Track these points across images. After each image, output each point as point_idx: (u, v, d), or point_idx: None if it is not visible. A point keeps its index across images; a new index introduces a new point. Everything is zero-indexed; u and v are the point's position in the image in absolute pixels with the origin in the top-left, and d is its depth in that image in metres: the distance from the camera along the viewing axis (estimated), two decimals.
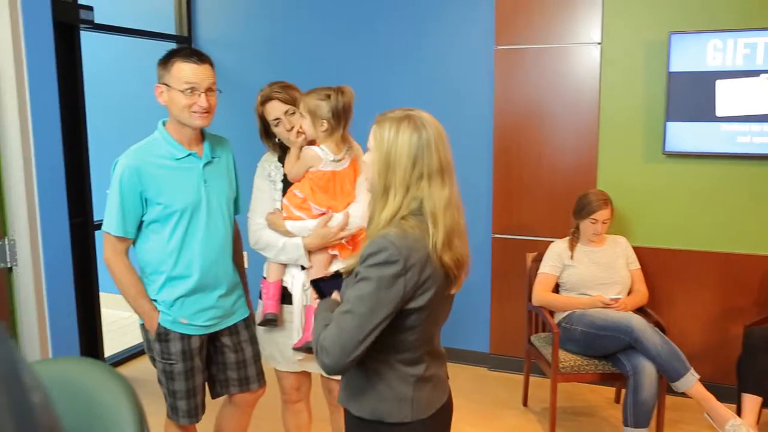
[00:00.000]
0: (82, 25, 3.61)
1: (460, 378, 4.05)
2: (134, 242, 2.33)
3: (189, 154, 2.27)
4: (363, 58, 4.22)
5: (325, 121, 2.29)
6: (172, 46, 4.50)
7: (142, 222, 2.29)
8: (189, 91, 2.17)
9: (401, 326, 1.57)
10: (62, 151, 2.71)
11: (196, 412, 2.40)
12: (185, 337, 2.32)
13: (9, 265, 2.62)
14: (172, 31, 4.51)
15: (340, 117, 2.30)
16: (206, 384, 2.49)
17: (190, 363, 2.34)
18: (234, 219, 2.51)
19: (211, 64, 2.26)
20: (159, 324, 2.32)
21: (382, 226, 1.56)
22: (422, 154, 1.55)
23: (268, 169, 2.49)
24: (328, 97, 2.29)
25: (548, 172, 3.84)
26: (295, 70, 4.36)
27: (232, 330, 2.43)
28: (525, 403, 3.66)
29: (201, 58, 2.22)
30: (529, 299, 3.49)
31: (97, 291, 3.89)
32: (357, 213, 2.35)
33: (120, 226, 2.24)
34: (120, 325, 5.06)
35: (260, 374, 2.52)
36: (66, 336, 2.76)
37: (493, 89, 3.89)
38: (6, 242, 2.58)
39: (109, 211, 2.25)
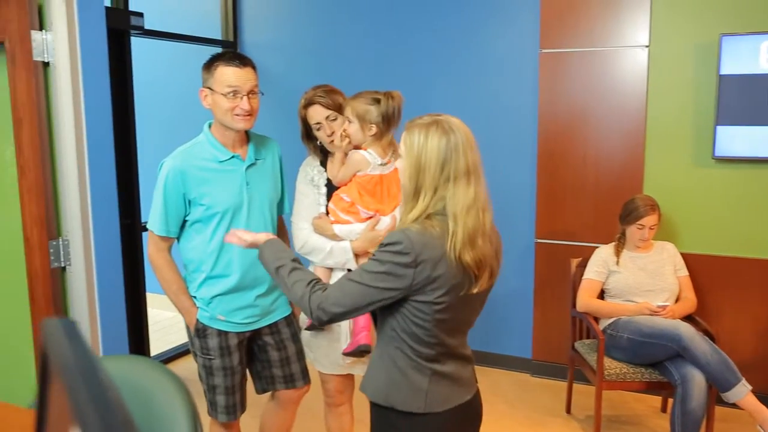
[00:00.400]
0: (132, 31, 3.69)
1: (502, 383, 4.01)
2: (178, 240, 2.38)
3: (232, 157, 2.30)
4: (406, 62, 4.22)
5: (374, 125, 2.30)
6: (218, 50, 4.59)
7: (186, 221, 2.33)
8: (231, 94, 2.21)
9: (414, 318, 1.64)
10: (114, 154, 2.78)
11: (234, 410, 2.43)
12: (222, 334, 2.36)
13: (63, 265, 2.69)
14: (218, 36, 4.58)
15: (390, 121, 2.30)
16: (249, 381, 2.51)
17: (228, 360, 2.37)
18: (281, 219, 2.55)
19: (254, 68, 2.29)
20: (197, 320, 2.37)
21: (407, 225, 1.65)
22: (450, 158, 1.62)
23: (311, 173, 2.51)
24: (378, 101, 2.29)
25: (593, 176, 3.79)
26: (339, 74, 4.39)
27: (273, 328, 2.46)
28: (568, 411, 3.61)
29: (243, 61, 2.25)
30: (573, 305, 3.45)
31: (144, 291, 3.97)
32: None
33: (163, 226, 2.30)
34: (164, 324, 5.15)
35: (305, 372, 2.55)
36: (116, 334, 2.83)
37: (538, 93, 3.86)
38: (60, 242, 2.65)
39: (154, 210, 2.31)
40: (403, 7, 4.22)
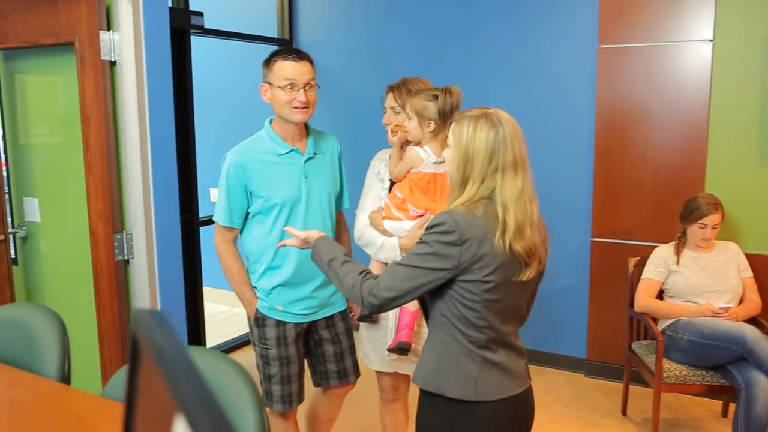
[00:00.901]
0: (192, 30, 3.77)
1: (556, 383, 3.97)
2: (241, 232, 2.44)
3: (291, 150, 2.35)
4: (462, 59, 4.21)
5: (432, 121, 2.29)
6: (274, 48, 4.65)
7: (248, 213, 2.39)
8: (288, 87, 2.26)
9: (464, 300, 1.65)
10: (175, 152, 2.85)
11: (289, 399, 2.46)
12: (280, 324, 2.40)
13: (126, 258, 2.78)
14: (274, 35, 4.64)
15: (447, 118, 2.28)
16: (304, 374, 2.55)
17: (285, 350, 2.41)
18: (341, 213, 2.58)
19: (311, 62, 2.33)
20: (257, 310, 2.43)
21: (451, 208, 1.69)
22: (498, 149, 1.66)
23: (378, 167, 2.52)
24: (436, 97, 2.28)
25: (652, 174, 3.71)
26: (394, 71, 4.39)
27: (329, 321, 2.50)
28: (624, 413, 3.54)
29: (300, 55, 2.31)
30: (631, 305, 3.38)
31: (201, 284, 4.06)
32: None
33: (226, 217, 2.37)
34: (219, 318, 5.26)
35: (356, 366, 2.59)
36: (175, 326, 2.90)
37: (595, 89, 3.79)
38: (124, 236, 2.74)
39: (218, 202, 2.38)
40: (459, 4, 4.20)
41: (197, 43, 4.14)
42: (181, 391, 0.46)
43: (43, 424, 1.32)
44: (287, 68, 2.27)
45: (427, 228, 1.67)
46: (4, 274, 3.06)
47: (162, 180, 2.77)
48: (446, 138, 2.36)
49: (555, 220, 4.11)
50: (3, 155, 3.13)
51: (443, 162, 2.35)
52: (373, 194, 2.48)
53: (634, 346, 3.41)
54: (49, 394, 1.47)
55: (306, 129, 2.43)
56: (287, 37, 4.63)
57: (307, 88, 2.28)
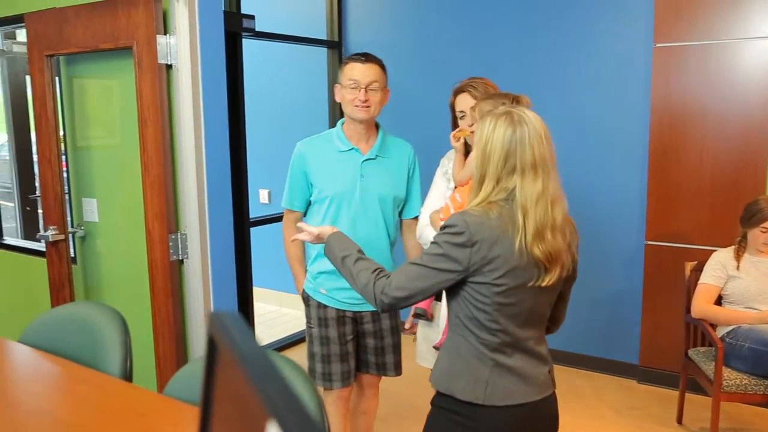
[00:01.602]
0: (243, 33, 3.82)
1: (607, 389, 3.89)
2: (305, 216, 2.61)
3: (351, 149, 2.47)
4: (512, 58, 4.16)
5: None
6: (323, 50, 4.68)
7: (310, 201, 2.57)
8: (353, 86, 2.41)
9: (476, 302, 1.63)
10: (229, 153, 2.89)
11: (330, 378, 2.53)
12: (321, 306, 2.54)
13: (181, 257, 2.82)
14: (324, 37, 4.67)
15: None
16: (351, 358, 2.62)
17: (325, 330, 2.52)
18: (413, 221, 2.61)
19: (380, 65, 2.46)
20: (303, 289, 2.60)
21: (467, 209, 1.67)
22: (515, 149, 1.61)
23: (447, 165, 2.53)
24: (504, 104, 2.24)
25: (710, 176, 3.60)
26: (443, 73, 4.39)
27: (375, 317, 2.55)
28: (680, 421, 3.45)
29: (368, 58, 2.46)
30: (688, 311, 3.29)
31: (251, 285, 4.10)
32: None
33: (288, 200, 2.60)
34: (268, 318, 5.31)
35: (397, 365, 2.64)
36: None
37: (650, 89, 3.70)
38: (179, 236, 2.78)
39: (286, 186, 2.60)
40: (510, 4, 4.16)
41: (247, 45, 4.19)
42: (272, 397, 0.46)
43: (107, 420, 1.35)
44: (353, 69, 2.43)
45: (441, 228, 1.67)
46: (64, 272, 3.15)
47: (216, 181, 2.81)
48: None
49: (607, 223, 4.05)
50: (63, 157, 3.21)
51: None
52: (439, 192, 2.49)
53: (691, 353, 3.32)
54: (112, 390, 1.50)
55: (377, 132, 2.53)
56: (336, 39, 4.66)
57: (368, 88, 2.40)
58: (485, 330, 1.66)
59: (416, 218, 2.59)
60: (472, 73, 4.27)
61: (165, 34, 2.67)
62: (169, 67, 2.70)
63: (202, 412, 0.68)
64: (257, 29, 3.94)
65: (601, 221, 4.02)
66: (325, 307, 2.53)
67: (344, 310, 2.52)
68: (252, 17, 3.81)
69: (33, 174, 5.08)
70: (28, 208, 4.99)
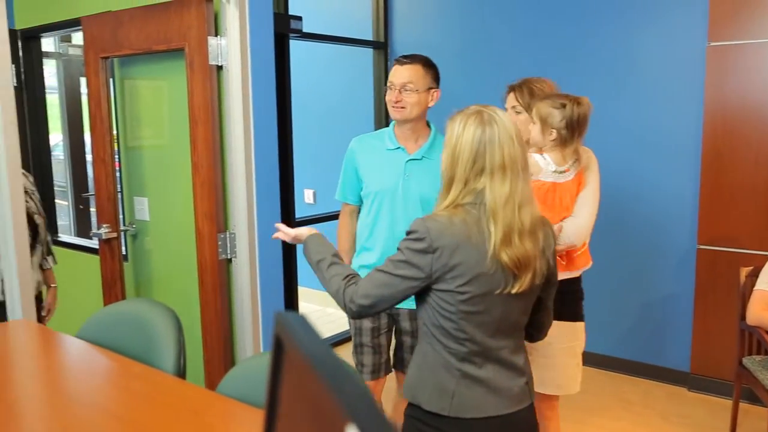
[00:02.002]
0: (291, 34, 3.85)
1: (656, 396, 3.80)
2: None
3: (397, 148, 2.52)
4: (561, 59, 4.10)
5: (554, 130, 2.21)
6: (369, 51, 4.69)
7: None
8: (390, 87, 2.49)
9: (441, 309, 1.59)
10: (277, 154, 2.92)
11: (361, 370, 2.60)
12: None
13: (229, 256, 2.86)
14: (369, 37, 4.68)
15: (574, 128, 2.20)
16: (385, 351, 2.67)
17: (359, 322, 2.58)
18: None
19: (422, 65, 2.49)
20: None
21: (433, 214, 1.63)
22: (484, 150, 1.57)
23: None
24: (563, 106, 2.19)
25: (765, 179, 3.49)
26: (490, 73, 4.36)
27: (412, 315, 2.55)
28: (733, 431, 3.35)
29: (408, 59, 2.51)
30: (743, 317, 3.19)
31: (297, 284, 4.14)
32: (571, 229, 2.24)
33: (340, 192, 2.70)
34: (312, 317, 5.33)
35: None
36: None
37: (703, 90, 3.61)
38: (227, 235, 2.82)
39: (339, 179, 2.70)
40: (559, 4, 4.10)
41: (294, 46, 4.23)
42: (350, 401, 0.46)
43: (162, 416, 1.37)
44: (393, 71, 2.52)
45: (405, 234, 1.63)
46: (116, 269, 3.22)
47: (264, 181, 2.83)
48: (573, 149, 2.27)
49: (658, 226, 3.96)
50: (116, 157, 3.29)
51: (566, 172, 2.26)
52: None
53: (746, 361, 3.22)
54: (166, 387, 1.53)
55: (429, 132, 2.56)
56: (382, 39, 4.66)
57: (403, 89, 2.44)
58: (452, 339, 1.61)
59: None
60: (519, 75, 4.23)
61: (216, 35, 2.71)
62: (219, 68, 2.73)
63: (267, 412, 0.68)
64: (304, 30, 3.97)
65: (651, 224, 3.93)
66: None
67: None
68: (299, 18, 3.84)
69: (86, 173, 5.22)
70: (81, 207, 5.13)
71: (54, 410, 1.45)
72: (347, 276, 1.68)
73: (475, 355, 1.61)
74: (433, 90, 2.51)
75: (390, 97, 2.47)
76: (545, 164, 2.24)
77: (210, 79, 2.71)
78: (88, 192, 5.27)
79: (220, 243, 2.81)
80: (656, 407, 3.65)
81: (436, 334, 1.63)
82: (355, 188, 2.64)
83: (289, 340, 0.63)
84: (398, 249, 1.63)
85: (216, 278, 2.89)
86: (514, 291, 1.58)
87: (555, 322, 2.33)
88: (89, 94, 3.19)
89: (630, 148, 3.92)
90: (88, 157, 4.33)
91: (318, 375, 0.53)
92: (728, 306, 3.52)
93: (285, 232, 1.96)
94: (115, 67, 3.21)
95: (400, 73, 2.47)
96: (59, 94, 4.91)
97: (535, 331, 1.82)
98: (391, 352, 2.67)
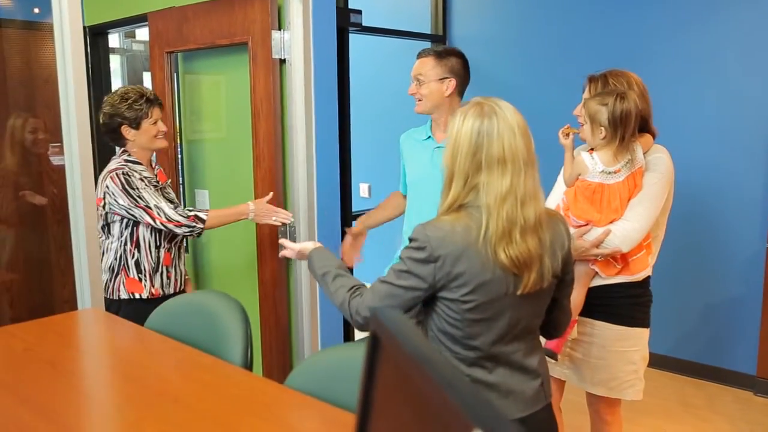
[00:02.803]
0: (351, 28, 3.84)
1: (721, 400, 3.68)
2: None
3: (428, 137, 2.57)
4: (625, 53, 3.99)
5: (603, 128, 2.12)
6: (427, 45, 4.66)
7: None
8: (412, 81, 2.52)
9: (447, 317, 1.54)
10: (338, 148, 2.92)
11: None
12: None
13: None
14: (428, 31, 4.65)
15: (618, 126, 2.10)
16: None
17: None
18: None
19: (433, 57, 2.48)
20: None
21: (439, 215, 1.56)
22: (483, 143, 1.49)
23: None
24: (607, 103, 2.13)
25: None
26: (549, 67, 4.28)
27: None
28: None
29: (422, 53, 2.54)
30: None
31: None
32: (619, 233, 2.13)
33: (401, 183, 2.75)
34: None
35: None
36: (332, 317, 2.97)
37: None
38: (287, 229, 2.83)
39: None
40: None
41: (352, 39, 4.23)
42: (475, 408, 0.44)
43: (233, 408, 1.37)
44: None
45: (408, 240, 1.56)
46: None
47: (325, 175, 2.84)
48: (626, 148, 2.17)
49: (725, 224, 3.82)
50: (179, 149, 3.35)
51: (617, 173, 2.17)
52: (559, 190, 2.36)
53: None
54: (236, 379, 1.53)
55: None
56: (441, 33, 4.62)
57: (415, 82, 2.49)
58: (460, 345, 1.56)
59: None
60: (582, 68, 4.14)
61: (279, 29, 2.72)
62: (282, 61, 2.75)
63: (361, 408, 0.67)
64: (363, 24, 3.95)
65: (718, 222, 3.80)
66: None
67: None
68: (359, 12, 3.83)
69: None
70: None
71: (127, 400, 1.48)
72: (352, 287, 1.63)
73: (485, 360, 1.57)
74: (448, 80, 2.45)
75: (409, 90, 2.54)
76: (592, 164, 2.15)
77: (273, 73, 2.73)
78: None
79: (280, 236, 2.83)
80: (723, 412, 3.54)
81: (444, 340, 1.58)
82: (404, 179, 2.71)
83: (389, 338, 0.62)
84: (400, 258, 1.58)
85: (275, 272, 2.91)
86: (519, 292, 1.51)
87: (608, 325, 2.24)
88: (154, 89, 3.25)
89: (697, 143, 3.79)
90: None
91: (430, 377, 0.51)
92: None
93: (290, 248, 1.97)
94: (179, 61, 3.27)
95: (414, 67, 2.52)
96: None
97: (552, 329, 1.76)
98: None
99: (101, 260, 2.50)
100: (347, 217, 3.99)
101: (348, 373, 1.42)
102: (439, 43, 4.64)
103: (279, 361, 2.96)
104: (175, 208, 2.52)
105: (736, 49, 3.65)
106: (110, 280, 2.54)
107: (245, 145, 2.92)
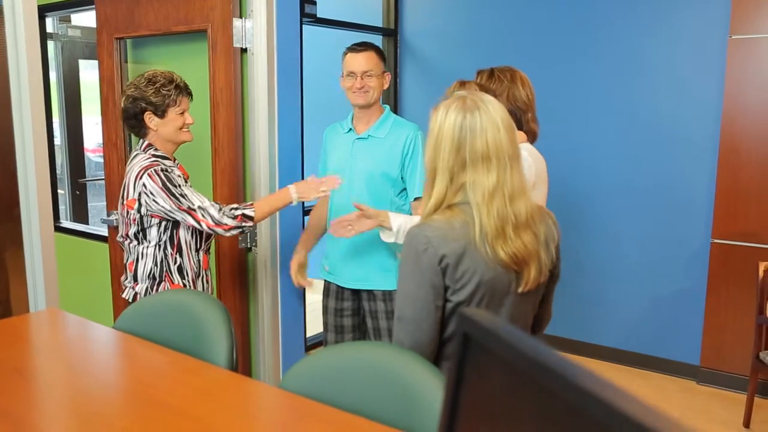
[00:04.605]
0: (304, 19, 3.75)
1: (667, 389, 3.80)
2: None
3: (349, 130, 2.59)
4: (577, 50, 4.06)
5: None
6: (378, 38, 4.62)
7: None
8: (351, 75, 2.51)
9: (449, 323, 1.50)
10: (301, 139, 2.84)
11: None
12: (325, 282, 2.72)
13: (249, 246, 2.78)
14: (380, 24, 4.61)
15: None
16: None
17: (325, 300, 2.73)
18: (411, 199, 2.57)
19: (376, 52, 2.54)
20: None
21: (427, 216, 1.50)
22: (466, 137, 1.45)
23: None
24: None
25: None
26: (500, 62, 4.29)
27: (371, 296, 2.59)
28: (747, 425, 3.35)
29: (361, 47, 2.54)
30: (761, 312, 3.19)
31: None
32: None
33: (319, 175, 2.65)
34: (315, 308, 5.26)
35: None
36: (293, 313, 2.90)
37: (724, 82, 3.59)
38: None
39: None
40: None
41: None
42: (615, 415, 0.40)
43: (230, 414, 1.29)
44: (348, 60, 2.53)
45: (401, 251, 1.52)
46: None
47: (287, 167, 2.77)
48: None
49: (671, 219, 3.94)
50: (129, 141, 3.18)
51: None
52: None
53: (763, 355, 3.22)
54: (226, 383, 1.44)
55: (380, 114, 2.57)
56: (392, 26, 4.59)
57: (365, 75, 2.48)
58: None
59: (418, 199, 2.51)
60: (531, 64, 4.19)
61: (240, 17, 2.62)
62: (243, 51, 2.65)
63: (447, 409, 0.63)
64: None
65: (664, 217, 3.92)
66: (327, 283, 2.72)
67: (336, 285, 2.66)
68: (314, 3, 3.75)
69: (83, 159, 5.09)
70: (77, 192, 5.00)
71: (113, 408, 1.36)
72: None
73: None
74: (386, 73, 2.58)
75: (350, 84, 2.50)
76: None
77: (234, 62, 2.63)
78: (84, 178, 5.14)
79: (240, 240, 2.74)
80: (670, 401, 3.65)
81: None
82: (323, 172, 2.69)
83: (488, 340, 0.57)
84: (401, 274, 1.51)
85: (234, 266, 2.82)
86: (521, 290, 1.48)
87: None
88: (101, 76, 3.08)
89: (647, 140, 3.90)
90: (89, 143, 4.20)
91: (554, 386, 0.47)
92: (742, 300, 3.53)
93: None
94: (128, 49, 3.11)
95: (358, 61, 2.51)
96: (57, 77, 4.77)
97: (536, 326, 1.72)
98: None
99: (134, 267, 2.30)
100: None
101: (342, 373, 1.36)
102: (391, 36, 4.61)
103: (240, 356, 2.87)
104: (220, 208, 2.25)
105: (687, 47, 3.77)
106: (151, 288, 2.29)
107: (202, 136, 2.80)
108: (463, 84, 2.23)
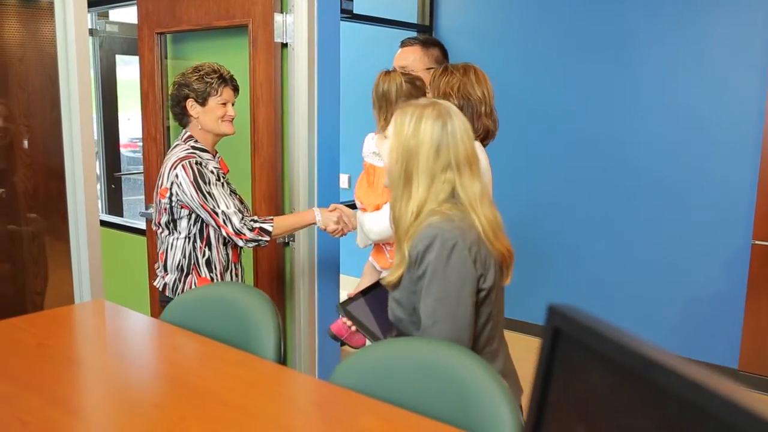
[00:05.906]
0: (342, 15, 3.75)
1: None
2: None
3: None
4: (616, 42, 4.00)
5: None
6: (413, 34, 4.60)
7: None
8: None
9: (479, 313, 1.50)
10: (339, 135, 2.84)
11: None
12: None
13: (287, 240, 2.79)
14: (414, 20, 4.60)
15: (381, 104, 2.15)
16: None
17: None
18: None
19: (420, 47, 2.48)
20: None
21: (411, 219, 1.48)
22: (446, 143, 1.47)
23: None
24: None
25: None
26: (535, 57, 4.26)
27: None
28: None
29: (408, 41, 2.53)
30: None
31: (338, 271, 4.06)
32: (373, 220, 2.25)
33: None
34: None
35: None
36: (330, 306, 2.90)
37: (766, 81, 3.51)
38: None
39: None
40: None
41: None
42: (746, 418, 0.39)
43: (281, 407, 1.29)
44: (395, 56, 2.54)
45: (420, 257, 1.46)
46: None
47: (326, 163, 2.77)
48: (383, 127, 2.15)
49: (711, 220, 3.87)
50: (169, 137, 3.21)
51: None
52: None
53: None
54: (275, 375, 1.45)
55: None
56: (427, 23, 4.57)
57: (400, 70, 2.38)
58: (487, 340, 1.58)
59: None
60: (568, 60, 4.13)
61: (281, 12, 2.63)
62: (284, 45, 2.66)
63: (533, 411, 0.62)
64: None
65: (705, 218, 3.85)
66: None
67: None
68: None
69: (119, 154, 5.15)
70: (113, 186, 5.06)
71: (164, 398, 1.37)
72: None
73: (499, 348, 1.61)
74: (432, 70, 2.38)
75: None
76: (369, 144, 2.21)
77: (274, 57, 2.64)
78: (120, 172, 5.20)
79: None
80: None
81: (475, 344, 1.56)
82: None
83: (585, 336, 0.56)
84: (431, 278, 1.48)
85: (273, 261, 2.83)
86: (504, 284, 1.56)
87: None
88: (141, 71, 3.11)
89: (686, 139, 3.83)
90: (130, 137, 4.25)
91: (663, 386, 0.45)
92: None
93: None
94: (168, 44, 3.13)
95: (398, 56, 2.49)
96: (95, 73, 4.83)
97: None
98: None
99: (164, 257, 2.31)
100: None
101: (393, 369, 1.35)
102: (426, 33, 4.59)
103: None
104: (242, 218, 2.22)
105: (723, 44, 3.70)
106: (179, 280, 2.30)
107: (242, 131, 2.81)
108: (388, 73, 2.19)
